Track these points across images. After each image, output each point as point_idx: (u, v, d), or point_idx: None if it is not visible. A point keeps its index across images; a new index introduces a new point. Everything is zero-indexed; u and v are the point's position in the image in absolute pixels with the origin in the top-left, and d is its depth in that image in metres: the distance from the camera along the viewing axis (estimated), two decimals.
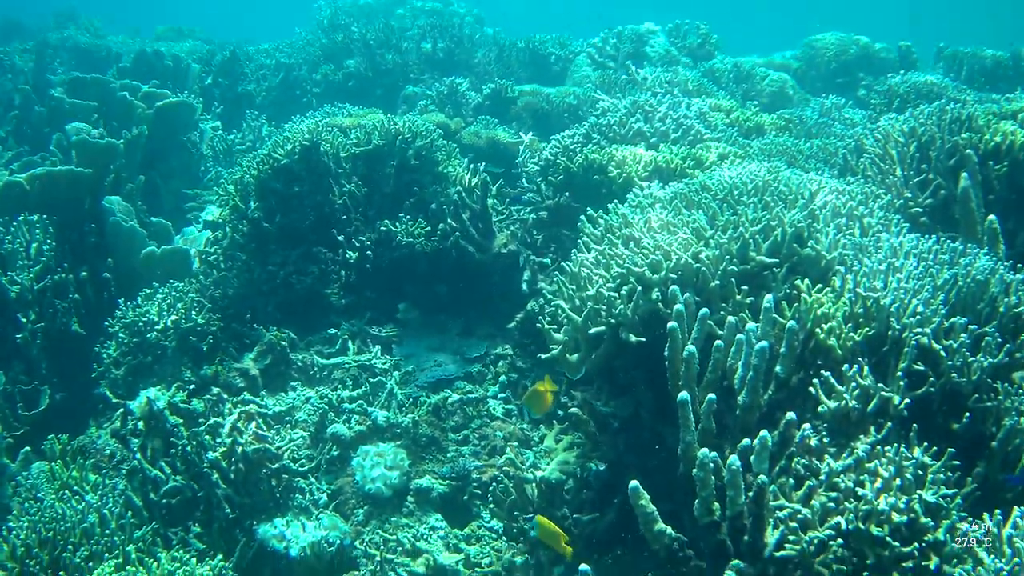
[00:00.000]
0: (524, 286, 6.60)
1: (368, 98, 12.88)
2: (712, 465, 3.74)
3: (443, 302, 7.11)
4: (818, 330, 4.05)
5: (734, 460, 3.64)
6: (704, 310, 4.13)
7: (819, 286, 4.29)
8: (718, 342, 4.04)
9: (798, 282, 4.30)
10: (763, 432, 3.70)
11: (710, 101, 8.87)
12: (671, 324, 4.06)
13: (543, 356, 4.90)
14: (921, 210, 5.57)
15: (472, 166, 7.09)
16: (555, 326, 4.90)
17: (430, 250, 6.94)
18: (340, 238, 7.17)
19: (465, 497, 5.65)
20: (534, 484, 5.08)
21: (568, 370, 4.91)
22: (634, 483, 3.77)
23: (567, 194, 6.93)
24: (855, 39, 14.21)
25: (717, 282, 4.36)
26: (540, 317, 5.44)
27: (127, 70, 13.45)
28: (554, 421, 5.86)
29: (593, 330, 4.54)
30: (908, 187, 5.68)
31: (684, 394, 3.88)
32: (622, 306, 4.41)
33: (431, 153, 7.42)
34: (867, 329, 4.01)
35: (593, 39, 14.11)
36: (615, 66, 13.06)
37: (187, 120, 10.78)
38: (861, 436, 3.81)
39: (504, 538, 5.32)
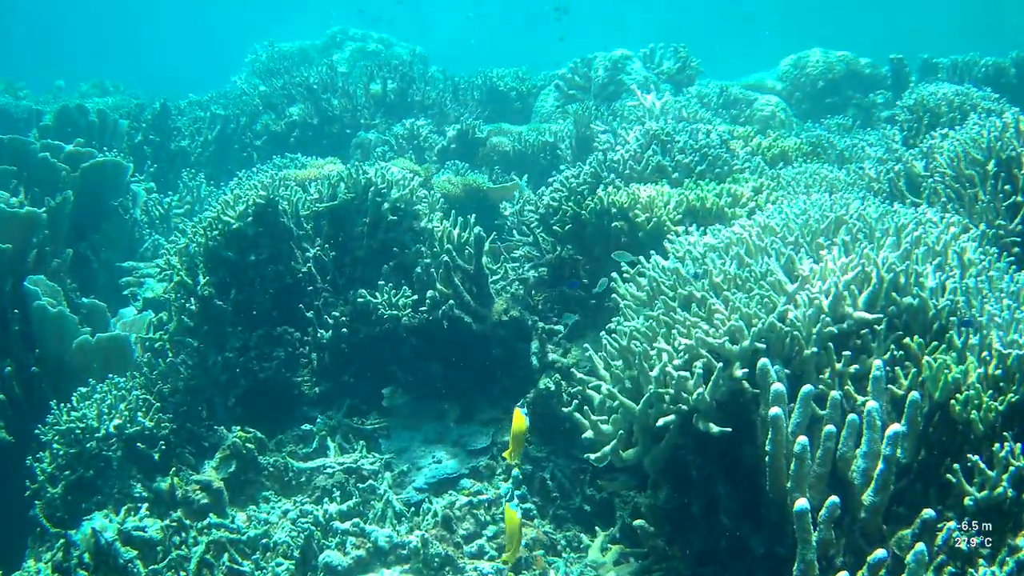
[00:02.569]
0: (533, 359, 5.79)
1: (315, 148, 12.16)
2: None
3: (436, 383, 6.31)
4: (952, 401, 3.43)
5: None
6: (807, 387, 3.43)
7: (934, 344, 3.64)
8: (829, 427, 3.38)
9: (907, 341, 3.68)
10: (919, 546, 3.05)
11: (722, 128, 8.12)
12: (774, 411, 3.34)
13: (590, 457, 4.07)
14: (1018, 239, 4.84)
15: (461, 219, 6.26)
16: (602, 416, 4.06)
17: (418, 323, 6.10)
18: (309, 314, 6.38)
19: None
20: None
21: (596, 460, 4.17)
22: None
23: (570, 246, 6.12)
24: (839, 56, 13.74)
25: (813, 349, 3.60)
26: (562, 399, 5.04)
27: (49, 129, 12.60)
28: (596, 528, 5.01)
29: (661, 421, 3.72)
30: (999, 213, 4.92)
31: (803, 502, 3.22)
32: (699, 389, 3.57)
33: (410, 206, 6.56)
34: (1011, 395, 3.38)
35: (559, 70, 13.40)
36: (585, 97, 12.33)
37: (117, 182, 9.95)
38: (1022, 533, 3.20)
39: None
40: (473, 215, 6.31)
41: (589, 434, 4.14)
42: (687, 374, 3.68)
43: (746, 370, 3.62)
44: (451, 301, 5.97)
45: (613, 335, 4.14)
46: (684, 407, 3.71)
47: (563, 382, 5.54)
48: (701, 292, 3.95)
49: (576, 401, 4.38)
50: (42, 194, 8.64)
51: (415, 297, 6.17)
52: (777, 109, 11.98)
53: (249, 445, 5.81)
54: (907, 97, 8.45)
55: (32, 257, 7.46)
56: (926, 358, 3.53)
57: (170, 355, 6.59)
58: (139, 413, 5.95)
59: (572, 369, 5.53)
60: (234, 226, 6.34)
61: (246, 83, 15.62)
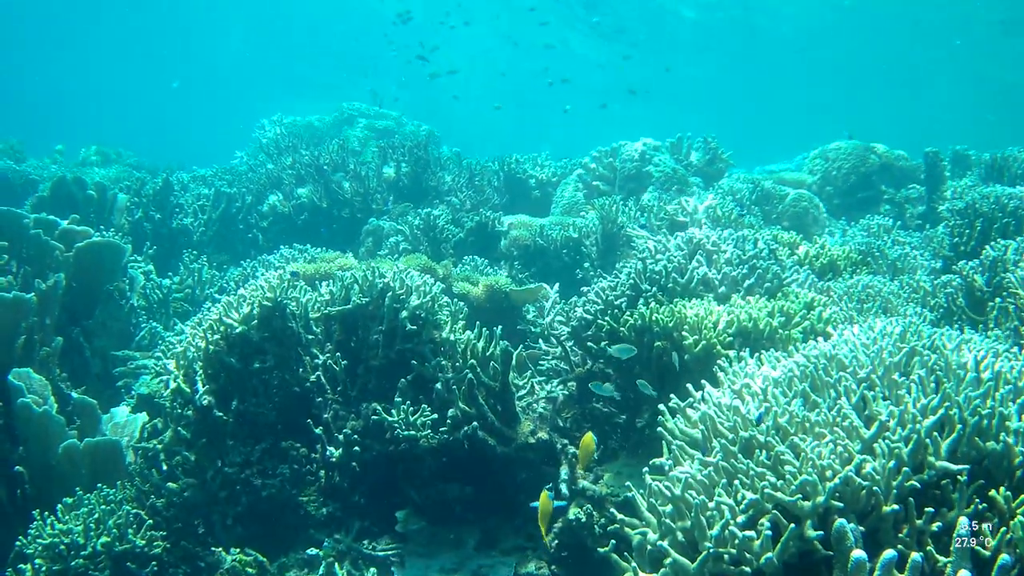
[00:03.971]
0: (563, 487, 5.45)
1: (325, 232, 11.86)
2: None
3: (455, 507, 5.98)
4: None
5: None
6: (890, 553, 3.11)
7: (1022, 498, 3.36)
8: None
9: (992, 494, 3.38)
10: None
11: (767, 234, 7.82)
12: None
13: None
14: None
15: (486, 331, 5.96)
16: (649, 568, 3.75)
17: (437, 443, 5.77)
18: (318, 430, 6.04)
19: None
20: None
21: None
22: None
23: (601, 361, 5.84)
24: (872, 147, 13.60)
25: (893, 506, 3.30)
26: (594, 531, 4.94)
27: (45, 201, 12.34)
28: None
29: None
30: None
31: None
32: (767, 553, 3.25)
33: (431, 315, 6.26)
34: None
35: (582, 158, 13.23)
36: (609, 188, 12.10)
37: (114, 265, 9.64)
38: None
39: None
40: (499, 327, 6.03)
41: None
42: (752, 533, 3.37)
43: (820, 532, 3.31)
44: (475, 422, 5.66)
45: (664, 482, 3.82)
46: (747, 569, 3.40)
47: (595, 512, 5.24)
48: (765, 437, 3.64)
49: (613, 541, 4.08)
50: (33, 274, 8.38)
51: (435, 416, 5.84)
52: (811, 205, 11.75)
53: (249, 570, 5.53)
54: (955, 200, 8.22)
55: (20, 345, 7.17)
56: (1019, 517, 3.22)
57: (165, 466, 6.27)
58: (130, 530, 5.67)
59: (606, 499, 5.23)
60: (237, 330, 6.06)
61: (252, 159, 15.44)
